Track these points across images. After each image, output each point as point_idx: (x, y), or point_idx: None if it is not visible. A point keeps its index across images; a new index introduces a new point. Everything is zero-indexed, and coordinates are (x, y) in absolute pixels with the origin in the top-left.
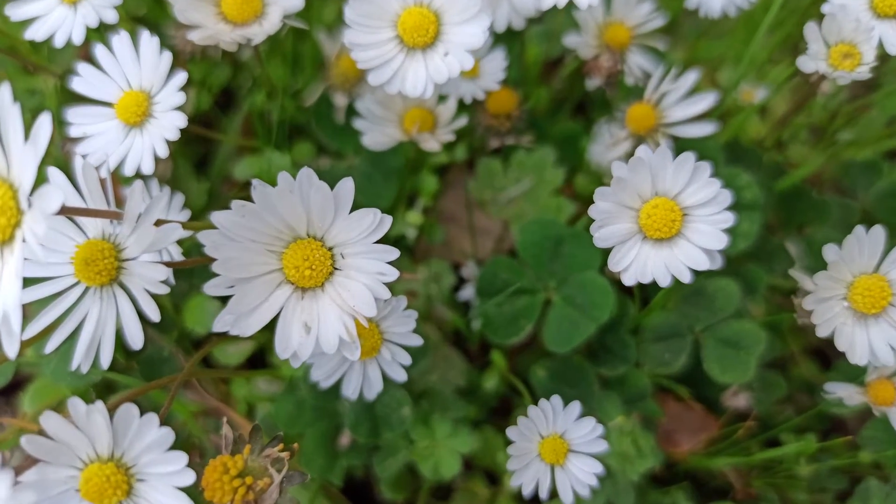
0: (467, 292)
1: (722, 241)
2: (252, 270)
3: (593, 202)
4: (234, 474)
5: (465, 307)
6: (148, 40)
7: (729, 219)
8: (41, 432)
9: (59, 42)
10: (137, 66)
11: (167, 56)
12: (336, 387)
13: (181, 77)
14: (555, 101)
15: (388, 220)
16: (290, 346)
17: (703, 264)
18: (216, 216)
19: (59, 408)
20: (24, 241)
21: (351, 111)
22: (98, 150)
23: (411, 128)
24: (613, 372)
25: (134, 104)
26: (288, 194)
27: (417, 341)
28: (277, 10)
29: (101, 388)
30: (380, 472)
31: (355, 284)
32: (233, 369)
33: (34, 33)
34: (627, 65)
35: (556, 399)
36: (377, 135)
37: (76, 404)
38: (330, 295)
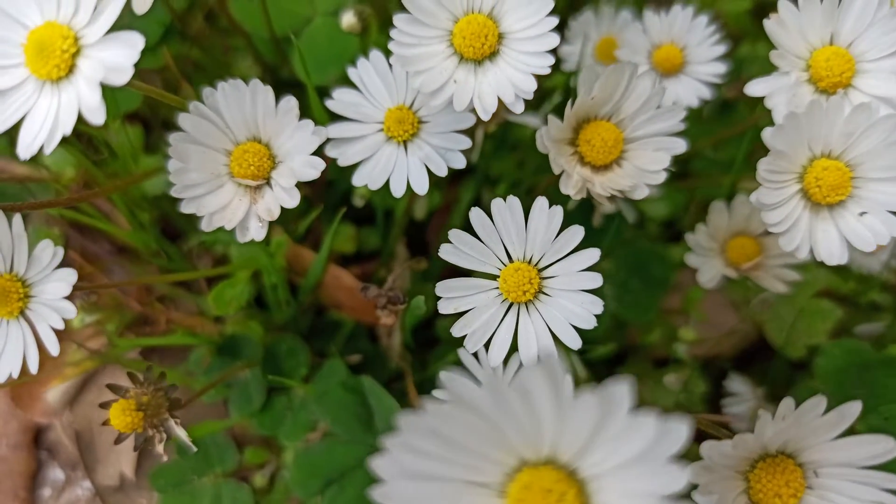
0: (734, 409)
1: None
2: None
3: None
4: None
5: None
6: (544, 209)
7: None
8: None
9: (396, 192)
10: (524, 234)
11: (577, 232)
12: None
13: (593, 253)
14: None
15: None
16: None
17: None
18: None
19: None
20: None
21: (611, 217)
22: (480, 332)
23: (741, 261)
24: None
25: (525, 281)
26: None
27: None
28: (659, 154)
29: None
30: None
31: None
32: None
33: (367, 179)
34: None
35: None
36: (711, 270)
37: None
38: None
